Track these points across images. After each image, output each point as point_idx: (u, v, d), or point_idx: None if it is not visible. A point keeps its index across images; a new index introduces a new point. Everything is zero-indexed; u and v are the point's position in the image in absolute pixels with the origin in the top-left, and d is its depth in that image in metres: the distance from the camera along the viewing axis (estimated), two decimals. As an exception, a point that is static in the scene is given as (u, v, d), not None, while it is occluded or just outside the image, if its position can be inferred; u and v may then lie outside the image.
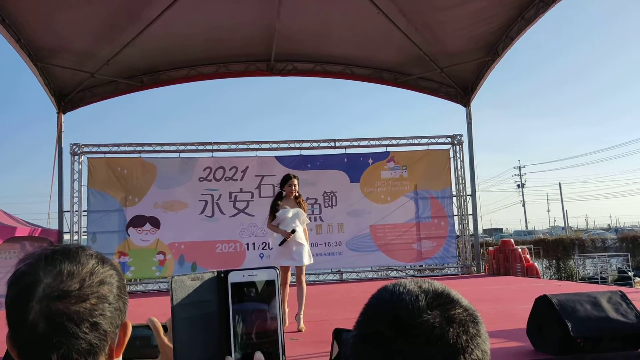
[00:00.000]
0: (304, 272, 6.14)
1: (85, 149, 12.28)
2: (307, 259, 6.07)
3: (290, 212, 6.13)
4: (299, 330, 5.81)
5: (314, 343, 5.10)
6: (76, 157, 12.21)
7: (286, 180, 6.32)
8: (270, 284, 0.82)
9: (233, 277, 0.81)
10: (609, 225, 63.68)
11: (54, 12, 9.62)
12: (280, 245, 6.09)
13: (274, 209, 6.21)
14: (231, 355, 0.81)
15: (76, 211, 12.11)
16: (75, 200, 12.14)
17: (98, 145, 12.36)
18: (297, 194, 6.30)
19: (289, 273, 6.16)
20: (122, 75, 12.19)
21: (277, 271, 0.82)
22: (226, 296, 0.81)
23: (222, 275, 0.82)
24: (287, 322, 5.99)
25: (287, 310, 6.23)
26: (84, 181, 12.14)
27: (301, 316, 5.97)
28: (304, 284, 6.12)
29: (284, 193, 6.26)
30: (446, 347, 0.69)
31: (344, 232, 12.62)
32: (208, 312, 0.82)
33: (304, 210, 6.30)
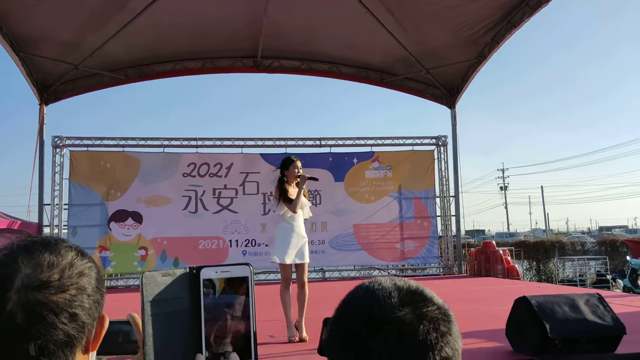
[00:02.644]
0: (306, 272, 5.32)
1: (68, 142, 12.13)
2: (308, 256, 5.32)
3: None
4: (302, 340, 5.03)
5: (296, 341, 5.09)
6: (58, 150, 12.05)
7: (290, 162, 5.35)
8: (243, 280, 0.81)
9: (205, 274, 0.80)
10: (588, 228, 64.58)
11: (37, 0, 9.48)
12: (310, 178, 5.24)
13: (284, 192, 5.24)
14: (202, 353, 0.79)
15: (57, 204, 11.97)
16: (56, 193, 11.99)
17: (81, 138, 12.23)
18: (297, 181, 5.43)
19: (291, 271, 5.32)
20: (106, 68, 12.06)
21: (251, 268, 0.81)
22: (198, 293, 0.79)
23: (195, 271, 0.81)
24: (296, 335, 5.10)
25: (293, 321, 5.18)
26: (66, 174, 12.00)
27: (303, 323, 5.14)
28: (307, 286, 5.28)
29: (287, 178, 5.31)
30: (416, 344, 0.70)
31: (327, 231, 12.63)
32: (179, 309, 0.80)
33: (308, 199, 5.53)
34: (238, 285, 0.81)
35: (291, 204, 5.22)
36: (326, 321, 0.83)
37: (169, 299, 0.79)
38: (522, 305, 4.19)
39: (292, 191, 5.29)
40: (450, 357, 0.72)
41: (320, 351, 0.83)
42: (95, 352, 0.84)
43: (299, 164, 5.36)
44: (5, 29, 10.02)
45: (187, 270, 0.82)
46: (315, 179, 5.45)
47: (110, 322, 0.89)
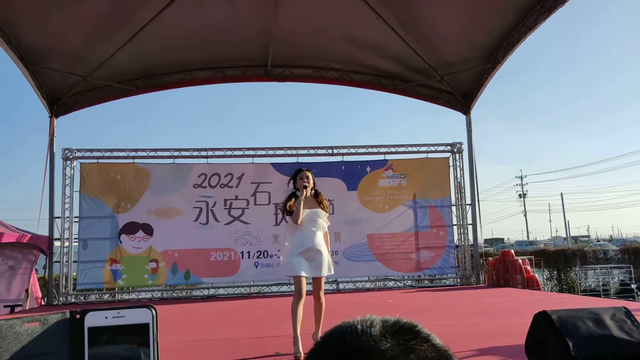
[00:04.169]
0: (323, 286, 5.13)
1: (78, 154, 12.08)
2: (326, 269, 5.07)
3: (307, 213, 5.05)
4: None
5: (301, 358, 4.84)
6: (68, 162, 12.00)
7: (296, 174, 5.21)
8: (142, 328, 0.58)
9: (92, 320, 0.58)
10: (610, 236, 63.29)
11: (45, 12, 9.45)
12: (298, 194, 5.02)
13: (284, 206, 5.15)
14: None
15: (67, 217, 11.88)
16: (67, 206, 11.91)
17: (91, 150, 12.17)
18: (315, 190, 5.20)
19: (305, 284, 5.04)
20: (116, 79, 12.00)
21: (153, 311, 0.59)
22: (81, 345, 0.57)
23: (78, 316, 0.58)
24: (302, 353, 4.80)
25: (300, 338, 4.82)
26: (76, 187, 11.93)
27: (319, 336, 5.22)
28: (323, 299, 5.12)
29: (299, 192, 5.13)
30: None
31: (340, 241, 12.36)
32: None
33: (326, 210, 5.20)
34: (136, 334, 0.58)
35: (291, 216, 5.06)
36: None
37: (36, 355, 0.57)
38: (542, 320, 3.89)
39: (304, 203, 5.12)
40: None
41: None
42: None
43: (305, 173, 5.16)
44: (15, 42, 10.00)
45: (68, 315, 0.59)
46: (305, 186, 5.09)
47: None
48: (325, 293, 5.28)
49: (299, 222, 5.01)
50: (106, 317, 0.61)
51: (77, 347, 0.59)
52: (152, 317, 0.61)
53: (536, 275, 13.38)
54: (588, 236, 61.71)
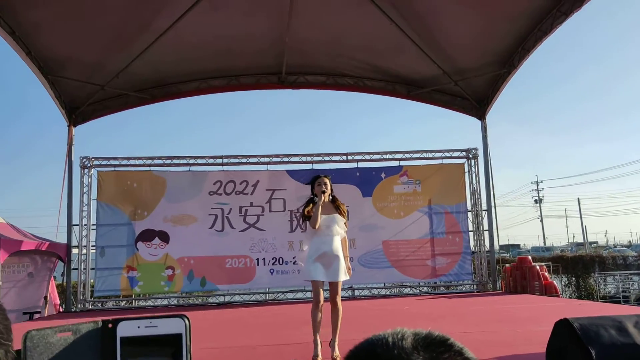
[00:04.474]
0: (339, 291, 5.17)
1: (95, 162, 12.20)
2: (342, 274, 5.11)
3: (324, 218, 5.13)
4: (334, 359, 4.89)
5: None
6: (86, 171, 12.13)
7: (313, 180, 5.35)
8: (175, 338, 0.58)
9: (124, 330, 0.58)
10: (629, 241, 62.33)
11: (63, 22, 9.60)
12: (316, 200, 5.14)
13: (303, 211, 5.27)
14: None
15: (85, 225, 12.00)
16: (85, 213, 12.03)
17: (108, 159, 12.29)
18: (332, 196, 5.31)
19: (322, 289, 5.12)
20: (133, 88, 12.13)
21: (186, 321, 0.59)
22: (113, 355, 0.57)
23: (110, 325, 0.58)
24: (320, 356, 4.84)
25: (320, 342, 4.93)
26: (94, 194, 12.05)
27: (336, 342, 5.02)
28: (340, 304, 5.13)
29: (316, 198, 5.24)
30: None
31: (355, 248, 12.32)
32: None
33: (344, 216, 5.27)
34: (168, 345, 0.58)
35: (309, 220, 5.16)
36: None
37: None
38: (563, 328, 3.83)
39: (322, 208, 5.19)
40: None
41: None
42: None
43: (323, 179, 5.28)
44: (34, 52, 10.17)
45: (100, 324, 0.59)
46: (324, 192, 5.22)
47: None
48: (341, 299, 5.27)
49: (316, 227, 5.09)
50: (138, 327, 0.61)
51: (110, 357, 0.60)
52: (185, 327, 0.62)
53: (554, 281, 13.22)
54: (597, 242, 60.63)
